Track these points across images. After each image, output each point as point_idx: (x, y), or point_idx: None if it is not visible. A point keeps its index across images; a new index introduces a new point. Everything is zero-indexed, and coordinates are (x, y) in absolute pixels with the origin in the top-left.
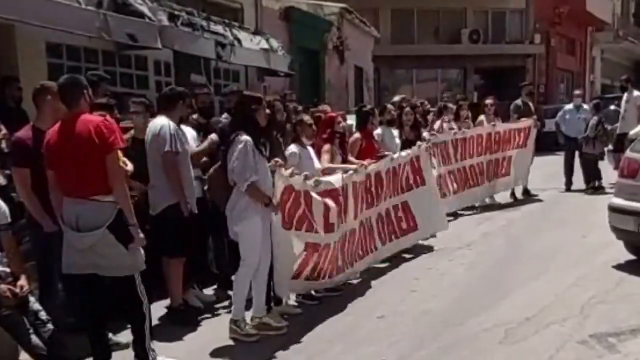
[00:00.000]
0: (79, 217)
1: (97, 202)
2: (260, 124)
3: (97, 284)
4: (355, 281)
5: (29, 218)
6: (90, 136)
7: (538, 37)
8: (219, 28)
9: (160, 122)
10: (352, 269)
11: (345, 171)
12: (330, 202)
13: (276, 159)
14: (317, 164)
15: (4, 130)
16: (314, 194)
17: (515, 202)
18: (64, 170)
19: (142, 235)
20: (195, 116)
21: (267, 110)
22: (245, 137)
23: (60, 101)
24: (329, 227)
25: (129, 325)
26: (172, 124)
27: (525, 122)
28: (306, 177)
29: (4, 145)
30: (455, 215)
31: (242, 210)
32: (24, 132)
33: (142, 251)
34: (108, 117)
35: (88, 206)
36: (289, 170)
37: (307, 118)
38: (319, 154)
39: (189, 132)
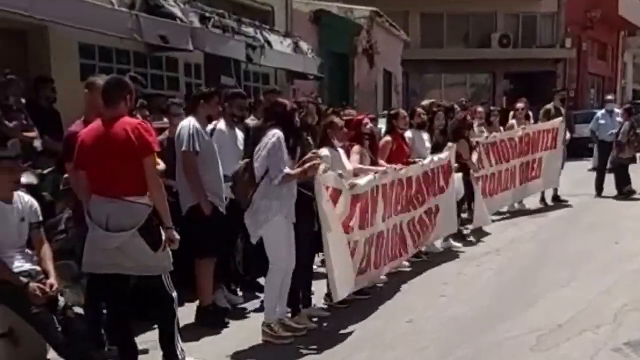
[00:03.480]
0: (109, 216)
1: (130, 202)
2: (296, 127)
3: (122, 283)
4: (383, 285)
5: (76, 215)
6: (129, 138)
7: (569, 42)
8: (250, 30)
9: (183, 123)
10: (377, 272)
11: (375, 172)
12: (358, 206)
13: (314, 150)
14: (347, 166)
15: (36, 132)
16: (342, 194)
17: (545, 208)
18: (97, 169)
19: (178, 237)
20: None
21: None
22: (275, 131)
23: (99, 97)
24: (347, 229)
25: (154, 326)
26: (193, 124)
27: (553, 122)
28: (340, 175)
29: (37, 144)
30: None
31: (264, 211)
32: (77, 127)
33: (170, 252)
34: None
35: (120, 206)
36: (323, 166)
37: (337, 120)
38: (348, 156)
39: (239, 135)
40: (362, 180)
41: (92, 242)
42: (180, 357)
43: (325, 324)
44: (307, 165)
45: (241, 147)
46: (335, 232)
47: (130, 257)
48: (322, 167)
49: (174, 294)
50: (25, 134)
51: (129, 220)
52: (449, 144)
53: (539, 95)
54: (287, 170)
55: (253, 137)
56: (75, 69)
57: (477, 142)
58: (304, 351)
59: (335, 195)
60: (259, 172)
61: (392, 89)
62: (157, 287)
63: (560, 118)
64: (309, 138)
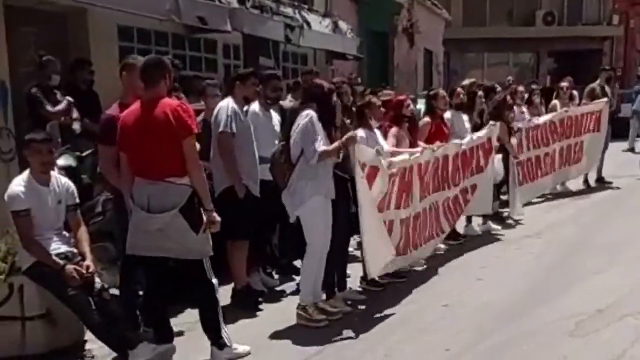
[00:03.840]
0: (150, 197)
1: (171, 183)
2: (333, 111)
3: (161, 266)
4: (420, 268)
5: (115, 198)
6: (168, 119)
7: (616, 18)
8: (289, 10)
9: (221, 104)
10: (417, 253)
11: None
12: (391, 186)
13: (353, 132)
14: (385, 147)
15: (76, 113)
16: (380, 172)
17: (588, 190)
18: (138, 151)
19: (219, 219)
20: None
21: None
22: (309, 111)
23: (138, 78)
24: (382, 208)
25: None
26: (231, 105)
27: (598, 104)
28: (378, 153)
29: (75, 127)
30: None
31: (301, 191)
32: (113, 110)
33: (210, 237)
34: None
35: (161, 187)
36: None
37: (375, 100)
38: (386, 137)
39: (275, 116)
40: (396, 158)
41: (135, 225)
42: (228, 343)
43: (360, 308)
44: (344, 137)
45: (277, 128)
46: (369, 209)
47: (172, 239)
48: (359, 137)
49: (215, 281)
50: (59, 107)
51: (171, 200)
52: (491, 122)
53: (585, 75)
54: (321, 148)
55: (289, 119)
56: (114, 52)
57: (519, 128)
58: (339, 334)
59: (373, 172)
60: (295, 153)
61: (433, 68)
62: (198, 273)
63: (605, 99)
64: (346, 119)
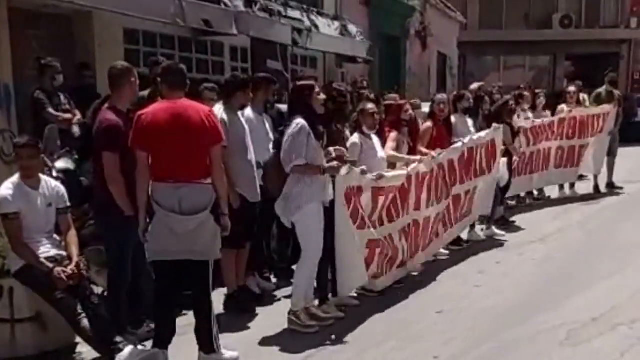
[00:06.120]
0: (182, 200)
1: (202, 184)
2: (316, 110)
3: (177, 269)
4: (418, 274)
5: (102, 201)
6: (203, 124)
7: (635, 21)
8: (297, 13)
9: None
10: (416, 259)
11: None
12: (382, 199)
13: (338, 147)
14: (380, 154)
15: (79, 116)
16: (364, 190)
17: (598, 195)
18: (165, 153)
19: (229, 224)
20: None
21: (323, 96)
22: (299, 120)
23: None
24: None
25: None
26: (223, 114)
27: (605, 108)
28: (363, 172)
29: (76, 130)
30: (530, 207)
31: (296, 198)
32: (113, 116)
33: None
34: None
35: (192, 189)
36: (345, 169)
37: (370, 107)
38: (385, 142)
39: (268, 120)
40: (389, 174)
41: (165, 228)
42: (216, 349)
43: (353, 313)
44: (327, 165)
45: (271, 133)
46: (346, 233)
47: (201, 240)
48: (343, 170)
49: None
50: (64, 115)
51: (202, 201)
52: (494, 124)
53: (603, 78)
54: (297, 161)
55: (284, 126)
56: (120, 55)
57: (522, 127)
58: (329, 340)
59: (359, 192)
60: (284, 161)
61: (447, 71)
62: (203, 275)
63: (610, 105)
64: (341, 126)
